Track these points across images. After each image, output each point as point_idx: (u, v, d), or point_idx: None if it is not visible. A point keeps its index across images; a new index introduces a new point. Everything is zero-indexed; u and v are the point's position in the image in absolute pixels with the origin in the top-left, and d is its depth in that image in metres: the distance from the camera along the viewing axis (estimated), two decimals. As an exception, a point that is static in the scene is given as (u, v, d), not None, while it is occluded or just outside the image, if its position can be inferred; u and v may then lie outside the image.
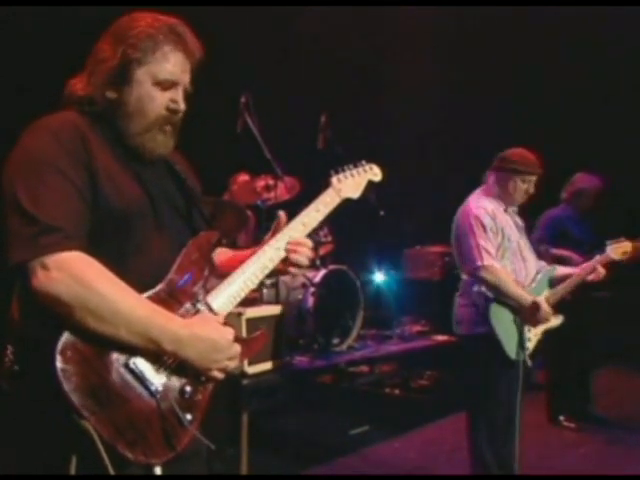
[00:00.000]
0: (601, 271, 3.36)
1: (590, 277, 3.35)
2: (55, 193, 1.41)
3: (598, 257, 3.41)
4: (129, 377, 1.42)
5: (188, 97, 1.64)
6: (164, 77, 1.56)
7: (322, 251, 5.34)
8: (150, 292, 1.49)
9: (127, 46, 1.53)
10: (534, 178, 3.23)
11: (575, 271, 3.37)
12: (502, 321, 3.09)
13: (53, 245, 1.37)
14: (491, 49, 6.60)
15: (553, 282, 3.31)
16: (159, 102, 1.57)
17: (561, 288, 3.30)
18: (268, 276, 1.72)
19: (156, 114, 1.57)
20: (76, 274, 1.37)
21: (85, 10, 4.34)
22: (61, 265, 1.36)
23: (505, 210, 3.25)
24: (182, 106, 1.61)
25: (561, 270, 3.42)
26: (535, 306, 3.08)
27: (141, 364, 1.43)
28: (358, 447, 4.33)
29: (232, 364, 1.54)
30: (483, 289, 3.12)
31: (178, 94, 1.60)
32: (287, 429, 4.61)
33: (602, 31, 6.13)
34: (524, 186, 3.21)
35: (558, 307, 3.26)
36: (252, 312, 3.56)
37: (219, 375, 1.53)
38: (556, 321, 3.25)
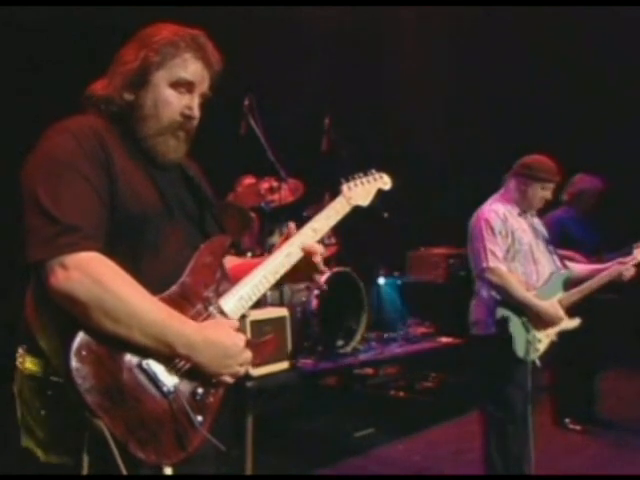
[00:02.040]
0: (631, 271, 3.41)
1: (619, 279, 3.39)
2: (75, 194, 1.43)
3: (622, 259, 3.42)
4: (142, 377, 1.43)
5: (203, 106, 1.66)
6: (180, 76, 1.58)
7: (326, 253, 5.32)
8: (163, 294, 1.50)
9: (148, 50, 1.56)
10: (552, 185, 3.30)
11: (596, 271, 3.41)
12: (512, 320, 3.11)
13: (72, 245, 1.38)
14: (496, 51, 6.60)
15: (569, 284, 3.33)
16: (174, 107, 1.59)
17: (577, 291, 3.32)
18: (279, 281, 1.74)
19: (170, 119, 1.59)
20: (94, 275, 1.38)
21: (100, 16, 4.36)
22: (80, 265, 1.38)
23: (520, 214, 3.30)
24: (196, 113, 1.63)
25: (579, 270, 3.44)
26: (537, 312, 3.11)
27: (154, 365, 1.45)
28: (363, 449, 4.33)
29: (243, 370, 1.56)
30: (493, 293, 3.17)
31: (193, 101, 1.62)
32: (292, 431, 4.61)
33: (600, 32, 6.12)
34: (542, 192, 3.28)
35: (570, 309, 3.28)
36: (256, 314, 3.57)
37: (230, 380, 1.55)
38: (571, 323, 3.28)
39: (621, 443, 4.49)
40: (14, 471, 1.51)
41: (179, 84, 1.59)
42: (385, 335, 5.76)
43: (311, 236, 1.80)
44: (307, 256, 1.76)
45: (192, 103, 1.61)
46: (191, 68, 1.60)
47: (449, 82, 6.89)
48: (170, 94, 1.59)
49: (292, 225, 1.82)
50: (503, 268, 3.12)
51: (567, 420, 4.78)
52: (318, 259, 1.78)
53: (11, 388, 1.55)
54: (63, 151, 1.47)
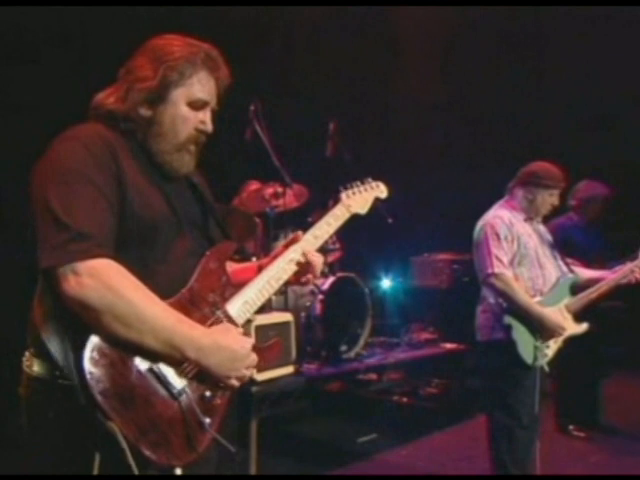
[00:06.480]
0: (637, 275, 3.42)
1: (624, 281, 3.40)
2: (86, 201, 1.45)
3: (630, 264, 3.43)
4: (153, 380, 1.47)
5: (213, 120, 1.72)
6: (197, 97, 1.64)
7: (330, 258, 5.34)
8: (172, 298, 1.54)
9: (167, 68, 1.60)
10: (558, 191, 3.34)
11: (603, 276, 3.42)
12: (518, 327, 3.12)
13: (85, 252, 1.41)
14: (500, 56, 6.60)
15: (576, 289, 3.34)
16: (191, 123, 1.65)
17: (584, 296, 3.33)
18: (281, 287, 1.80)
19: (187, 134, 1.64)
20: (106, 281, 1.41)
21: (98, 24, 4.39)
22: (92, 272, 1.40)
23: (526, 220, 3.33)
24: (210, 127, 1.68)
25: (586, 275, 3.45)
26: (541, 320, 3.11)
27: (164, 368, 1.49)
28: (366, 454, 4.33)
29: (249, 373, 1.60)
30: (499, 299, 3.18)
31: (207, 116, 1.68)
32: (295, 436, 4.61)
33: (605, 34, 6.12)
34: (550, 199, 3.32)
35: (577, 314, 3.29)
36: (261, 319, 3.58)
37: (236, 383, 1.59)
38: (579, 329, 3.29)
39: (625, 450, 4.47)
40: (14, 471, 1.52)
41: (195, 98, 1.64)
42: (389, 340, 5.77)
43: (313, 242, 1.87)
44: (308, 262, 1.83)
45: (206, 118, 1.67)
46: (207, 87, 1.66)
47: (454, 87, 6.90)
48: (187, 111, 1.64)
49: (300, 233, 1.89)
50: (509, 274, 3.13)
51: (571, 427, 4.77)
52: (320, 266, 1.85)
53: (11, 390, 1.56)
54: (74, 158, 1.49)
